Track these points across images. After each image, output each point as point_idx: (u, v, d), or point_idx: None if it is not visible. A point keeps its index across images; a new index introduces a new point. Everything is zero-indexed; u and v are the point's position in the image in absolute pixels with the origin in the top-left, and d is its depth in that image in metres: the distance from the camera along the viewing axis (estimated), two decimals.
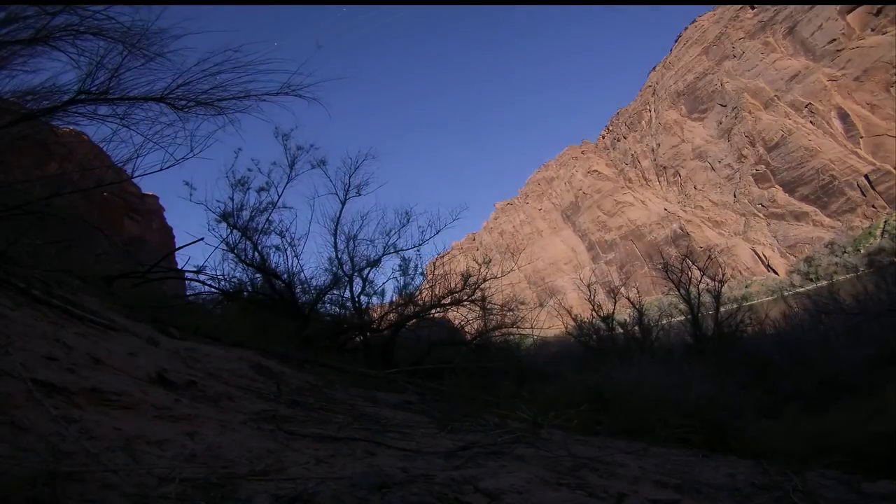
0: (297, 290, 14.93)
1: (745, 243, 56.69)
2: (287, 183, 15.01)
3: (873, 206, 48.33)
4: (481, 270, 17.75)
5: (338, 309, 16.39)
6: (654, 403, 8.06)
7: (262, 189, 14.71)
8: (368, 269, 16.41)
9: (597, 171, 75.71)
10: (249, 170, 14.71)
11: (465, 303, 17.12)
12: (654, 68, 76.12)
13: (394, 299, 17.52)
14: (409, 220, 16.81)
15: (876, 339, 14.37)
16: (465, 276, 18.06)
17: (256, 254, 14.44)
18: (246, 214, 14.44)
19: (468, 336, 16.75)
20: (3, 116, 6.87)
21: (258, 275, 14.63)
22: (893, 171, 45.38)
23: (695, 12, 70.55)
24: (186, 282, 14.31)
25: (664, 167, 67.63)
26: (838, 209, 48.77)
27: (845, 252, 47.35)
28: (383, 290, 17.38)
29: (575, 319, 26.05)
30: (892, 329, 14.63)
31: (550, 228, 77.81)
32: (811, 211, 51.54)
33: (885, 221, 41.17)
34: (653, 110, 72.01)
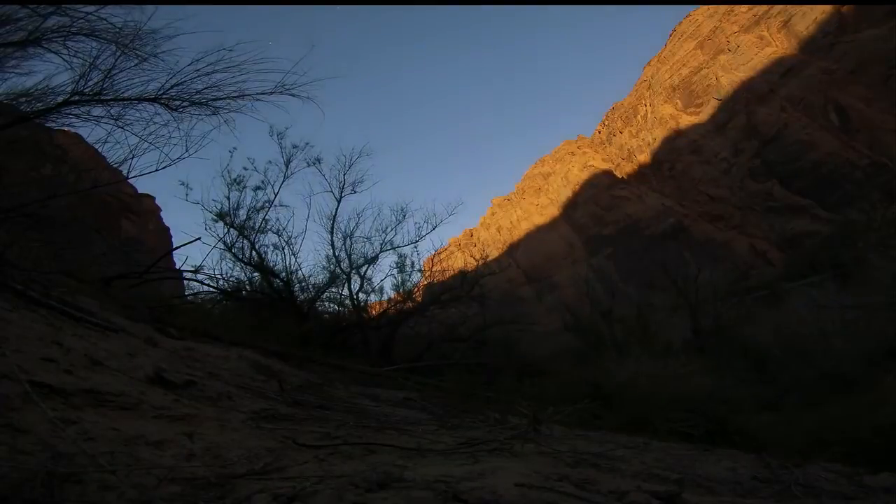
0: (296, 288, 14.94)
1: (743, 237, 56.69)
2: (283, 181, 15.05)
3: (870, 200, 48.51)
4: (479, 266, 17.80)
5: (336, 307, 16.42)
6: (654, 398, 8.07)
7: (258, 188, 14.73)
8: (366, 266, 16.44)
9: (593, 165, 75.55)
10: (245, 168, 14.75)
11: (464, 299, 17.15)
12: (648, 63, 75.85)
13: (392, 296, 17.55)
14: (404, 216, 16.89)
15: (874, 332, 14.41)
16: (463, 273, 18.08)
17: (254, 252, 14.45)
18: (242, 213, 14.46)
19: (467, 332, 16.77)
20: None
21: (256, 273, 14.64)
22: (889, 164, 45.39)
23: (689, 7, 70.58)
24: (185, 281, 14.30)
25: (660, 161, 67.53)
26: (835, 203, 48.77)
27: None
28: (381, 287, 17.43)
29: (574, 315, 26.09)
30: (890, 323, 14.68)
31: (548, 224, 77.68)
32: (808, 204, 51.50)
33: (882, 215, 41.19)
34: (648, 105, 71.91)
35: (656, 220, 65.33)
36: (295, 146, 15.24)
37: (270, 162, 15.06)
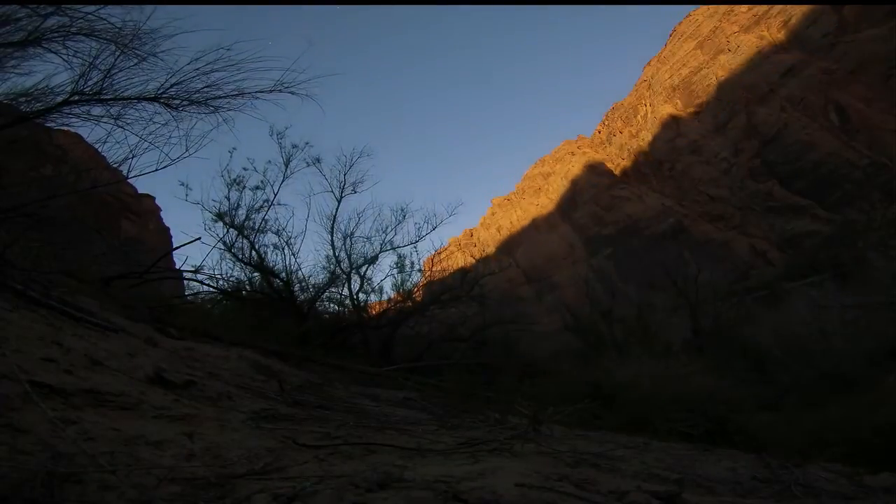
0: (296, 288, 14.94)
1: (743, 237, 56.61)
2: (283, 181, 15.05)
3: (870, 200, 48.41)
4: (476, 262, 17.82)
5: (336, 307, 16.43)
6: (654, 398, 8.08)
7: (257, 188, 14.73)
8: (366, 266, 16.45)
9: (592, 165, 75.44)
10: (245, 168, 14.75)
11: (464, 299, 17.17)
12: (648, 63, 75.71)
13: (392, 296, 17.57)
14: (405, 216, 16.92)
15: (874, 332, 14.43)
16: (463, 273, 18.11)
17: (254, 252, 14.45)
18: (242, 213, 14.46)
19: (467, 332, 16.78)
20: None
21: (256, 273, 14.64)
22: (889, 164, 45.36)
23: (689, 7, 70.54)
24: (185, 281, 14.31)
25: (660, 161, 67.42)
26: (835, 203, 48.74)
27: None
28: (381, 287, 17.45)
29: (574, 315, 26.09)
30: (891, 323, 14.70)
31: (547, 224, 77.57)
32: (808, 204, 51.45)
33: (882, 215, 41.08)
34: (648, 105, 71.80)
35: (656, 220, 65.29)
36: (294, 146, 15.26)
37: (270, 162, 15.07)
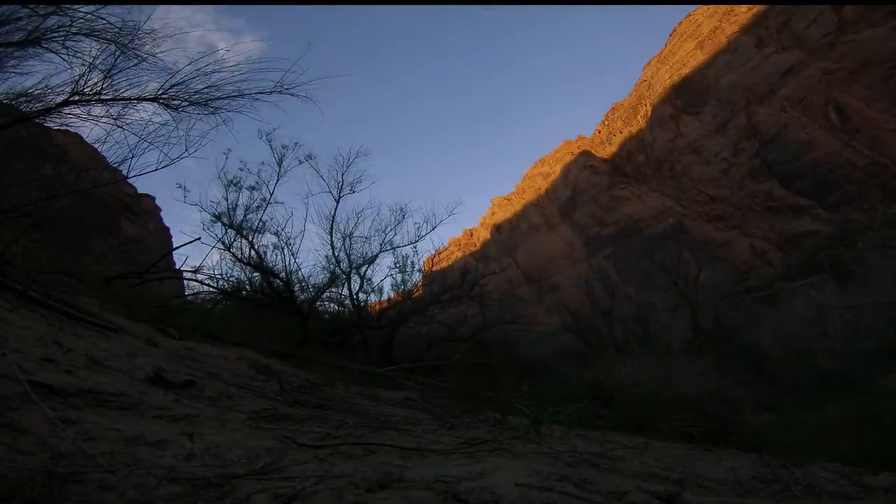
0: (296, 288, 14.93)
1: (743, 237, 56.62)
2: (277, 181, 15.03)
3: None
4: (479, 267, 17.82)
5: (336, 307, 16.42)
6: (654, 398, 8.07)
7: (253, 188, 14.71)
8: (366, 266, 16.43)
9: (592, 165, 75.43)
10: (241, 169, 14.73)
11: (464, 299, 17.17)
12: (648, 63, 75.73)
13: (392, 297, 17.56)
14: (404, 216, 16.86)
15: (874, 332, 14.41)
16: (464, 273, 18.11)
17: (253, 252, 14.44)
18: (240, 213, 14.44)
19: (467, 332, 16.77)
20: None
21: (256, 273, 14.64)
22: (889, 164, 45.39)
23: (689, 7, 70.57)
24: (185, 282, 14.30)
25: (660, 161, 67.41)
26: (835, 203, 48.75)
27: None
28: (381, 287, 17.42)
29: (574, 315, 26.08)
30: (891, 323, 14.68)
31: (547, 224, 77.56)
32: (808, 204, 51.47)
33: (882, 215, 41.04)
34: (648, 105, 71.82)
35: (656, 220, 65.32)
36: (284, 146, 15.26)
37: (263, 163, 15.08)
